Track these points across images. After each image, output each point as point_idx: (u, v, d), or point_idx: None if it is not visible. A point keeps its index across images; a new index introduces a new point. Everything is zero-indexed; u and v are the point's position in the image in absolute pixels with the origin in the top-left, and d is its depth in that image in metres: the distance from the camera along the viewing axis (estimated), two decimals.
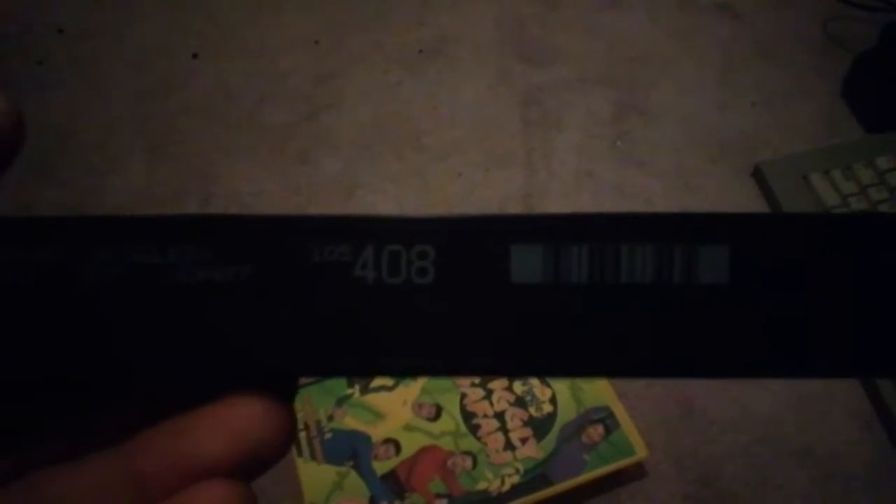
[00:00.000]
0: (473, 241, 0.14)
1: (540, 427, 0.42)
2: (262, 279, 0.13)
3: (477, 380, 0.44)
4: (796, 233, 0.13)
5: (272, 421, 0.13)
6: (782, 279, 0.13)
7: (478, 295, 0.14)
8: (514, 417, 0.42)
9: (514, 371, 0.15)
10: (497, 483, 0.40)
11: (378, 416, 0.42)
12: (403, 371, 0.14)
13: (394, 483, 0.40)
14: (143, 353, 0.13)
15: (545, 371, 0.14)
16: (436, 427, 0.42)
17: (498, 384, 0.43)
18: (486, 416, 0.42)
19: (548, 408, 0.42)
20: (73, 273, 0.13)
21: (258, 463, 0.13)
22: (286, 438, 0.14)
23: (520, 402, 0.43)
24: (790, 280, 0.13)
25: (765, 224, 0.14)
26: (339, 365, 0.14)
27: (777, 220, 0.14)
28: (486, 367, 0.14)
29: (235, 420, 0.13)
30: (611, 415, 0.42)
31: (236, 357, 0.13)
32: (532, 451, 0.41)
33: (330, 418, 0.42)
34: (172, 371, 0.14)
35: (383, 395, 0.43)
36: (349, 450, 0.41)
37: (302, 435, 0.42)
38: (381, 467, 0.41)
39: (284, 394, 0.14)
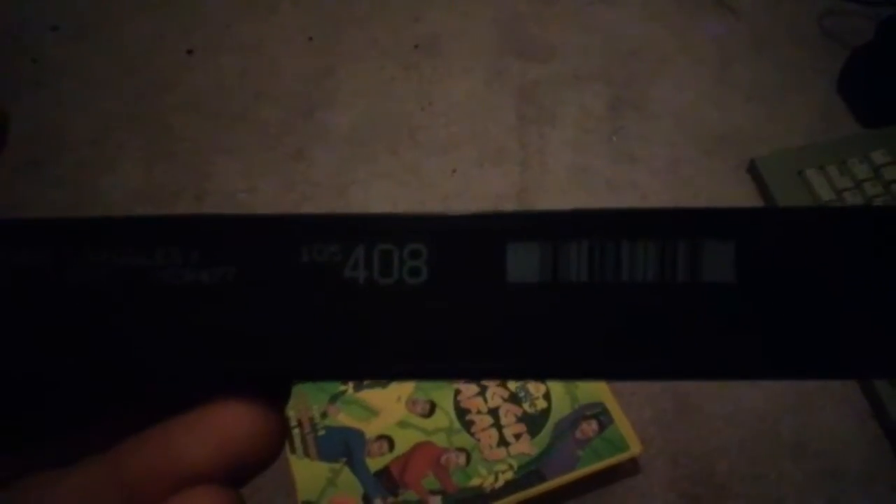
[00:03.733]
0: (467, 239, 0.13)
1: (534, 423, 0.42)
2: (249, 280, 0.13)
3: None
4: (806, 227, 0.13)
5: (261, 426, 0.13)
6: (791, 277, 0.13)
7: (472, 295, 0.13)
8: (508, 413, 0.42)
9: (511, 375, 0.14)
10: (491, 479, 0.40)
11: (372, 412, 0.42)
12: (395, 375, 0.14)
13: (387, 479, 0.40)
14: (129, 357, 0.13)
15: (542, 375, 0.14)
16: (429, 423, 0.42)
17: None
18: (479, 412, 0.42)
19: (542, 404, 0.42)
20: (58, 276, 0.13)
21: (246, 469, 0.13)
22: (275, 444, 0.13)
23: (514, 398, 0.43)
24: (800, 278, 0.13)
25: (772, 218, 0.13)
26: (328, 369, 0.13)
27: (785, 214, 0.13)
28: (482, 371, 0.14)
29: (223, 425, 0.13)
30: (605, 410, 0.42)
31: (224, 360, 0.13)
32: (526, 447, 0.41)
33: (323, 415, 0.42)
34: (159, 374, 0.13)
35: (377, 391, 0.43)
36: (343, 446, 0.41)
37: (295, 432, 0.42)
38: (374, 464, 0.41)
39: (275, 398, 0.14)
